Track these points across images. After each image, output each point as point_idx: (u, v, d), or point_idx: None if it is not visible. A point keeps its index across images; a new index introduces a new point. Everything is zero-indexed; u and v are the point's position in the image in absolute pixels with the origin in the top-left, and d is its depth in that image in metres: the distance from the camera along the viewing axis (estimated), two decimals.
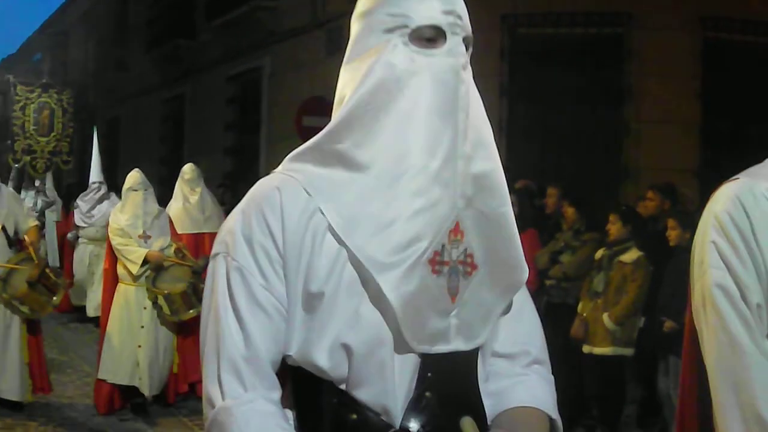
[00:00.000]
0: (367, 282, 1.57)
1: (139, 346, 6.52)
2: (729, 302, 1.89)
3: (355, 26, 1.73)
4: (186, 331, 6.69)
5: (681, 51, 9.17)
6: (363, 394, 1.58)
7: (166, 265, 6.62)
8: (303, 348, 1.60)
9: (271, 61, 13.61)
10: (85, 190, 10.62)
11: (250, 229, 1.61)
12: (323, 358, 1.58)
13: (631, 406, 6.62)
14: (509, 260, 1.71)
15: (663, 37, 9.18)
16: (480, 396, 1.69)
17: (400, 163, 1.58)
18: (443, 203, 1.59)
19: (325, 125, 1.68)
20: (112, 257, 6.69)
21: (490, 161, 1.66)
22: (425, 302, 1.59)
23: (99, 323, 7.51)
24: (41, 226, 11.37)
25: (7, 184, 11.74)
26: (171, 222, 7.05)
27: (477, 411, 1.67)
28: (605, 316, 6.07)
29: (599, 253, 6.33)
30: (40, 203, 11.50)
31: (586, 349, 6.24)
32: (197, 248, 7.45)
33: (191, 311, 6.46)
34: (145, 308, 6.58)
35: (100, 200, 10.22)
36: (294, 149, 1.71)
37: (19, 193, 11.89)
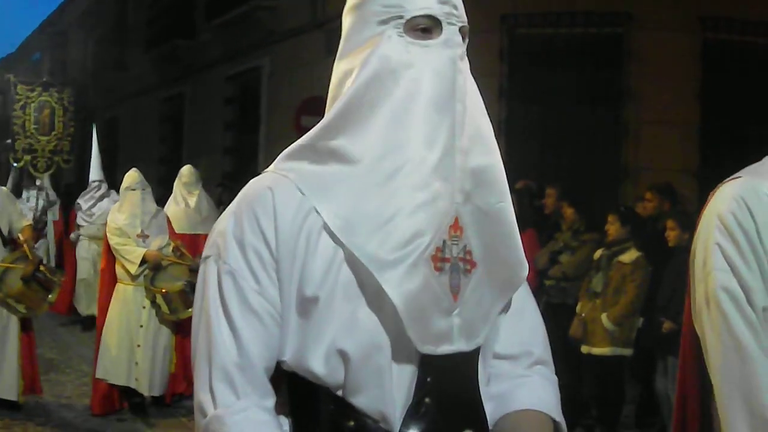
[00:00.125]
0: (364, 284, 1.52)
1: (138, 346, 6.52)
2: (735, 306, 1.84)
3: (348, 20, 1.68)
4: (185, 330, 6.67)
5: (680, 51, 9.17)
6: (360, 401, 1.53)
7: (164, 264, 6.61)
8: (298, 354, 1.55)
9: (271, 61, 13.60)
10: (85, 189, 10.61)
11: (241, 231, 1.55)
12: (319, 364, 1.53)
13: (629, 406, 6.62)
14: (508, 257, 1.66)
15: (662, 37, 9.18)
16: (481, 400, 1.64)
17: (397, 156, 1.54)
18: (443, 197, 1.55)
19: None
20: (110, 257, 6.69)
21: (488, 155, 1.62)
22: (428, 301, 1.53)
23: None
24: (43, 226, 11.39)
25: (6, 183, 11.75)
26: (169, 221, 7.04)
27: (478, 416, 1.63)
28: (604, 317, 6.08)
29: (598, 254, 6.34)
30: (41, 202, 11.49)
31: (584, 349, 6.24)
32: (194, 248, 7.44)
33: (190, 310, 6.43)
34: (144, 307, 6.58)
35: (101, 198, 10.19)
36: None
37: (21, 192, 11.90)
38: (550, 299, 6.66)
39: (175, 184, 8.48)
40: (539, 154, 9.52)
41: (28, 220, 6.89)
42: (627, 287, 6.06)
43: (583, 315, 6.26)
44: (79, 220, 10.42)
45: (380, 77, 1.58)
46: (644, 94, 9.21)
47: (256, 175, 1.66)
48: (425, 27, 1.60)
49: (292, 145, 1.65)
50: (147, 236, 6.62)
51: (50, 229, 11.66)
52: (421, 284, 1.52)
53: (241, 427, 1.48)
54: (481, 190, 1.60)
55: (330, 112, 1.62)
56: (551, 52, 9.51)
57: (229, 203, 1.66)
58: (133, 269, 6.49)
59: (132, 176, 6.88)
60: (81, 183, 12.21)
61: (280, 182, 1.58)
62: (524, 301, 1.77)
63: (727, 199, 1.91)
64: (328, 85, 1.69)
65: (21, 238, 6.52)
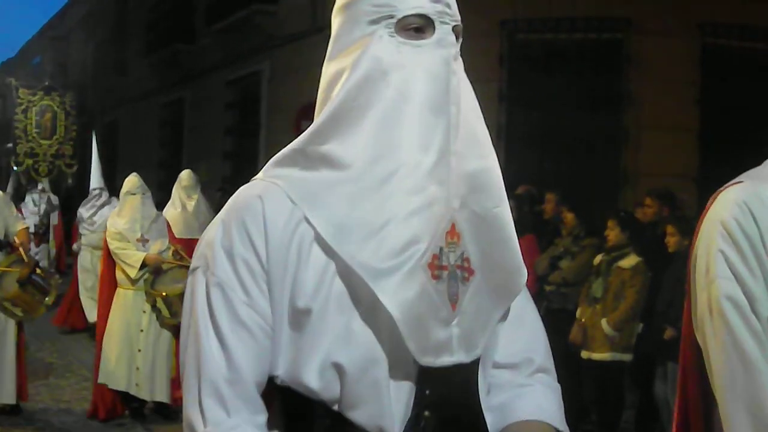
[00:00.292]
0: (358, 296, 1.46)
1: (139, 350, 6.50)
2: (739, 315, 1.76)
3: (337, 20, 1.63)
4: None
5: (680, 57, 9.19)
6: (357, 416, 1.47)
7: (164, 267, 6.60)
8: (291, 368, 1.49)
9: (271, 66, 13.61)
10: (86, 194, 10.54)
11: (230, 242, 1.49)
12: (313, 378, 1.47)
13: (629, 411, 6.61)
14: (506, 264, 1.61)
15: (662, 42, 9.20)
16: (481, 412, 1.59)
17: (391, 160, 1.48)
18: (439, 202, 1.49)
19: None
20: (109, 262, 6.68)
21: (484, 159, 1.57)
22: (426, 310, 1.47)
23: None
24: (45, 230, 11.39)
25: (6, 187, 11.74)
26: (169, 226, 7.04)
27: (479, 428, 1.58)
28: (604, 322, 6.07)
29: (598, 259, 6.33)
30: (44, 206, 11.48)
31: (584, 354, 6.24)
32: (192, 252, 7.43)
33: None
34: (144, 312, 6.57)
35: (102, 206, 9.98)
36: None
37: (23, 196, 11.90)
38: (550, 305, 6.66)
39: (174, 188, 8.48)
40: (539, 160, 9.53)
41: (24, 224, 6.88)
42: (627, 293, 6.05)
43: (583, 320, 6.25)
44: (81, 230, 10.25)
45: (371, 79, 1.52)
46: (644, 100, 9.22)
47: None
48: (417, 26, 1.54)
49: (282, 150, 1.60)
50: (147, 241, 6.62)
51: (51, 235, 11.65)
52: (418, 293, 1.46)
53: None
54: (477, 195, 1.55)
55: (320, 116, 1.56)
56: (551, 58, 9.53)
57: None
58: (133, 273, 6.49)
59: (132, 181, 6.88)
60: (82, 187, 12.19)
61: (270, 190, 1.52)
62: (524, 307, 1.71)
63: (729, 204, 1.84)
64: None
65: (17, 241, 6.52)
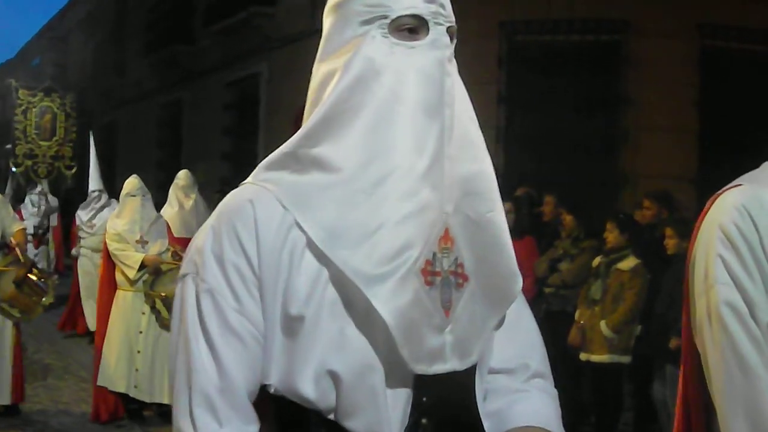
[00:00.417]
0: (352, 303, 1.43)
1: (138, 352, 6.49)
2: (738, 321, 1.73)
3: (329, 20, 1.59)
4: None
5: (678, 58, 9.19)
6: (354, 424, 1.43)
7: (163, 268, 6.60)
8: (285, 376, 1.46)
9: (269, 67, 13.62)
10: (85, 195, 10.48)
11: (220, 247, 1.46)
12: (309, 387, 1.44)
13: (628, 413, 6.61)
14: (501, 270, 1.58)
15: (660, 44, 9.20)
16: (479, 418, 1.56)
17: (383, 163, 1.45)
18: (432, 207, 1.46)
19: None
20: (109, 264, 6.67)
21: (478, 162, 1.54)
22: (419, 317, 1.45)
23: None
24: (45, 231, 11.37)
25: (5, 189, 11.73)
26: (169, 228, 7.04)
27: None
28: (603, 324, 6.07)
29: (596, 261, 6.33)
30: (43, 208, 11.46)
31: (583, 356, 6.23)
32: None
33: None
34: (143, 313, 6.56)
35: (101, 209, 9.89)
36: None
37: (23, 197, 11.87)
38: (549, 307, 6.66)
39: (171, 188, 8.48)
40: (537, 161, 9.52)
41: (20, 225, 6.88)
42: (625, 295, 6.05)
43: (582, 322, 6.25)
44: (80, 232, 10.16)
45: (364, 80, 1.49)
46: (642, 101, 9.22)
47: None
48: (411, 27, 1.51)
49: (273, 153, 1.57)
50: (146, 242, 6.62)
51: (50, 236, 11.62)
52: (411, 299, 1.43)
53: None
54: (470, 199, 1.52)
55: (311, 117, 1.53)
56: (549, 59, 9.53)
57: None
58: (132, 274, 6.48)
59: (132, 182, 6.87)
60: (81, 189, 12.15)
61: (261, 195, 1.49)
62: (519, 312, 1.69)
63: (728, 208, 1.80)
64: None
65: (13, 241, 6.51)
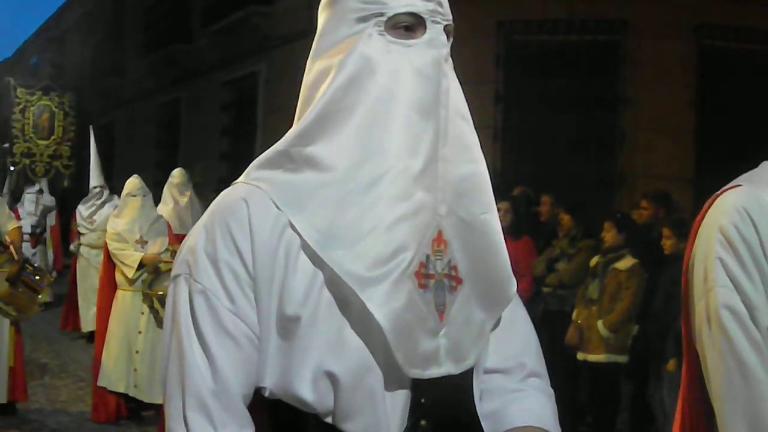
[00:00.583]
0: (348, 304, 1.41)
1: (137, 352, 6.49)
2: (738, 324, 1.70)
3: (323, 16, 1.56)
4: None
5: (676, 58, 9.19)
6: (352, 427, 1.41)
7: (162, 268, 6.60)
8: (282, 379, 1.43)
9: (267, 67, 13.60)
10: (82, 194, 10.45)
11: (214, 247, 1.43)
12: (306, 389, 1.41)
13: (625, 413, 6.62)
14: (495, 272, 1.56)
15: (658, 44, 9.20)
16: (478, 419, 1.55)
17: (377, 164, 1.43)
18: (425, 209, 1.44)
19: None
20: (109, 263, 6.67)
21: (472, 164, 1.52)
22: (414, 320, 1.43)
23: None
24: (42, 230, 11.36)
25: (2, 188, 11.71)
26: (169, 228, 7.04)
27: None
28: (600, 324, 6.07)
29: (594, 261, 6.33)
30: (40, 207, 11.44)
31: (580, 356, 6.24)
32: None
33: None
34: (142, 313, 6.56)
35: (102, 205, 9.87)
36: None
37: (20, 196, 11.85)
38: (547, 306, 6.67)
39: (165, 186, 8.48)
40: (535, 161, 9.52)
41: (16, 223, 6.86)
42: (622, 294, 6.05)
43: (579, 322, 6.26)
44: (80, 228, 10.13)
45: (359, 79, 1.46)
46: (640, 101, 9.22)
47: None
48: (408, 25, 1.48)
49: (266, 152, 1.55)
50: (146, 242, 6.62)
51: (48, 236, 11.61)
52: (405, 302, 1.41)
53: None
54: (464, 201, 1.50)
55: (305, 116, 1.51)
56: (547, 59, 9.52)
57: None
58: (131, 273, 6.48)
59: (133, 182, 6.88)
60: (79, 188, 12.13)
61: (255, 194, 1.46)
62: (515, 311, 1.67)
63: (728, 209, 1.78)
64: None
65: (7, 239, 6.51)
